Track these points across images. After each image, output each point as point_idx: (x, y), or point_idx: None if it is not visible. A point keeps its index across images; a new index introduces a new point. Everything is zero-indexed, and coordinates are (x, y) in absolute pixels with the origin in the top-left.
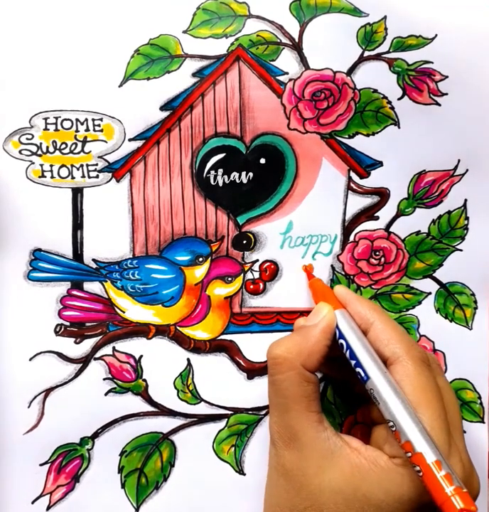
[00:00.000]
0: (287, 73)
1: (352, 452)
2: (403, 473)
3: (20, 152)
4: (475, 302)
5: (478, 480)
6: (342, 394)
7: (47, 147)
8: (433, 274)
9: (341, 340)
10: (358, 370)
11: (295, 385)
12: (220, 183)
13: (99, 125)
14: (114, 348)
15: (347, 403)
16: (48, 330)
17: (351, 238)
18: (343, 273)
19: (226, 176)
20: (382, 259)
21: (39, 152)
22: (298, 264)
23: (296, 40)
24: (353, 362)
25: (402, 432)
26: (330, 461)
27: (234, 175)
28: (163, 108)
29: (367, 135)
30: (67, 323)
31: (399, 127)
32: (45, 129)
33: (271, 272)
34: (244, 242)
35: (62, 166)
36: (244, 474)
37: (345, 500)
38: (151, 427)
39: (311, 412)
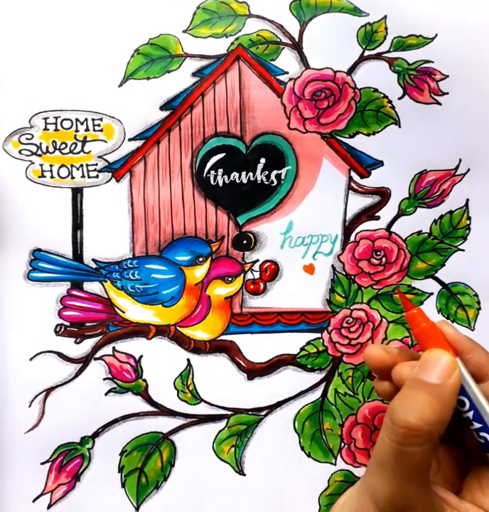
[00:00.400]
0: (287, 73)
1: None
2: None
3: (20, 152)
4: (478, 303)
5: None
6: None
7: (47, 147)
8: (435, 275)
9: (462, 398)
10: (484, 435)
11: (428, 457)
12: (220, 183)
13: (98, 125)
14: (114, 348)
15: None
16: (48, 330)
17: (352, 238)
18: (344, 273)
19: (226, 176)
20: (383, 259)
21: (39, 152)
22: (299, 264)
23: (296, 40)
24: (478, 425)
25: None
26: None
27: (234, 175)
28: (163, 108)
29: (368, 134)
30: (67, 323)
31: (399, 127)
32: (45, 128)
33: (272, 272)
34: (245, 242)
35: (62, 165)
36: (244, 475)
37: None
38: (151, 427)
39: (428, 478)
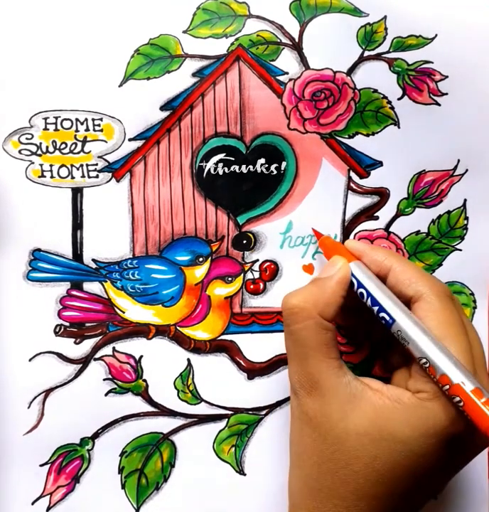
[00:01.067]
0: (287, 73)
1: (374, 394)
2: (429, 407)
3: (19, 152)
4: (474, 302)
5: None
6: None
7: (47, 147)
8: (433, 274)
9: (360, 290)
10: (382, 315)
11: (313, 333)
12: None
13: (99, 125)
14: (114, 348)
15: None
16: (48, 330)
17: (351, 238)
18: None
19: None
20: None
21: (39, 152)
22: (298, 264)
23: (296, 40)
24: (376, 308)
25: (437, 367)
26: (353, 404)
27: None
28: (163, 108)
29: (367, 135)
30: (67, 324)
31: (399, 127)
32: (45, 128)
33: (271, 271)
34: (244, 242)
35: (62, 165)
36: (245, 474)
37: (371, 441)
38: (151, 428)
39: (331, 359)
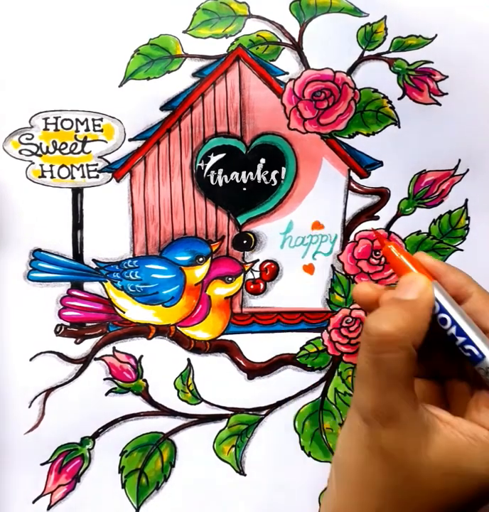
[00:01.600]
0: (287, 73)
1: (444, 427)
2: None
3: (20, 152)
4: None
5: None
6: None
7: (47, 147)
8: None
9: (443, 315)
10: (469, 347)
11: (405, 365)
12: (220, 183)
13: (99, 125)
14: (114, 348)
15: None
16: (48, 330)
17: (351, 238)
18: (343, 273)
19: (226, 176)
20: (383, 259)
21: (39, 152)
22: (299, 263)
23: (296, 40)
24: (462, 339)
25: None
26: (426, 437)
27: (234, 175)
28: (163, 108)
29: (367, 135)
30: (68, 324)
31: (399, 127)
32: (45, 129)
33: (272, 271)
34: (245, 242)
35: (62, 166)
36: (245, 475)
37: (443, 475)
38: (152, 427)
39: (412, 390)
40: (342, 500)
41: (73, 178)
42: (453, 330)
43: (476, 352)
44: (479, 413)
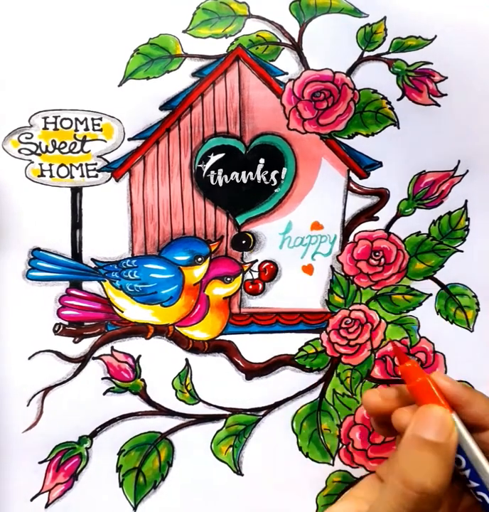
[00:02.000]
0: (287, 73)
1: None
2: None
3: (19, 151)
4: (477, 304)
5: None
6: None
7: (47, 146)
8: (434, 276)
9: (459, 456)
10: (481, 494)
11: None
12: (220, 183)
13: (98, 124)
14: (112, 347)
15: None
16: (47, 329)
17: (351, 239)
18: (343, 274)
19: (226, 176)
20: (382, 260)
21: (38, 151)
22: (298, 264)
23: (296, 41)
24: (475, 485)
25: None
26: None
27: (234, 175)
28: (162, 108)
29: (367, 135)
30: (66, 323)
31: (398, 128)
32: (45, 128)
33: (271, 272)
34: (243, 242)
35: (62, 165)
36: (242, 475)
37: None
38: (149, 427)
39: None
40: None
41: (72, 177)
42: (467, 473)
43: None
44: None
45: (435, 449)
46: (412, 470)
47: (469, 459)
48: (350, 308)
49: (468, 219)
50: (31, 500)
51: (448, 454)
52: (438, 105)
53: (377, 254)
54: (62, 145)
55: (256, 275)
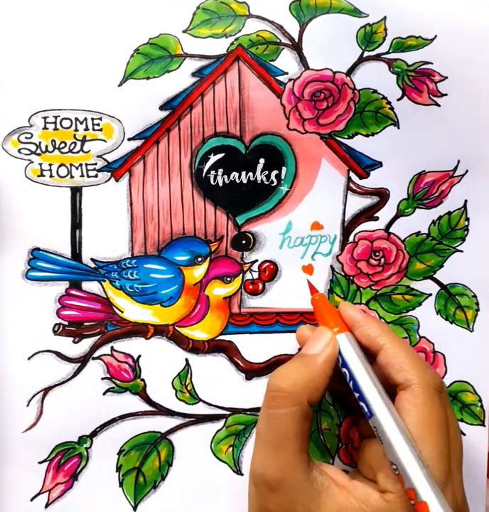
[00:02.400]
0: (287, 73)
1: (340, 491)
2: (396, 510)
3: (19, 151)
4: (477, 304)
5: None
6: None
7: (47, 146)
8: (434, 276)
9: (345, 370)
10: (362, 404)
11: (296, 422)
12: (220, 183)
13: (98, 124)
14: (112, 347)
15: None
16: (47, 329)
17: (351, 239)
18: (343, 274)
19: (226, 176)
20: (382, 260)
21: (38, 151)
22: (298, 264)
23: (296, 40)
24: (357, 395)
25: (407, 479)
26: (317, 502)
27: (234, 175)
28: (162, 107)
29: (367, 135)
30: (66, 323)
31: (398, 128)
32: (45, 128)
33: (271, 272)
34: (243, 242)
35: (61, 165)
36: (242, 474)
37: None
38: (149, 427)
39: (303, 452)
40: None
41: (72, 177)
42: (351, 384)
43: (366, 409)
44: (377, 469)
45: (302, 359)
46: (274, 373)
47: (352, 372)
48: None
49: (467, 219)
50: (31, 500)
51: (311, 363)
52: (438, 105)
53: (376, 254)
54: (62, 145)
55: (256, 275)
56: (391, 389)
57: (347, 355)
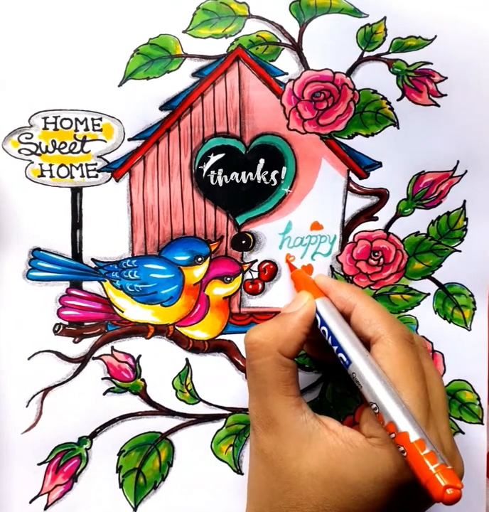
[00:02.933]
0: (287, 73)
1: (329, 434)
2: (379, 453)
3: (19, 151)
4: (474, 303)
5: (462, 462)
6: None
7: (47, 146)
8: (432, 275)
9: (323, 328)
10: (340, 355)
11: (272, 370)
12: (220, 183)
13: (98, 125)
14: (112, 347)
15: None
16: (47, 329)
17: (350, 239)
18: (342, 273)
19: (225, 176)
20: (381, 260)
21: (38, 151)
22: (298, 264)
23: (296, 41)
24: (335, 348)
25: (385, 413)
26: (308, 444)
27: (234, 175)
28: (162, 108)
29: (367, 136)
30: (66, 323)
31: (398, 128)
32: (45, 128)
33: (270, 272)
34: (243, 242)
35: (62, 165)
36: (242, 474)
37: (323, 483)
38: (149, 427)
39: (289, 396)
40: (246, 508)
41: (72, 177)
42: (330, 340)
43: (344, 358)
44: (364, 422)
45: (279, 317)
46: (251, 329)
47: (329, 327)
48: None
49: (466, 219)
50: (30, 502)
51: (287, 319)
52: (438, 105)
53: (376, 254)
54: (62, 145)
55: (256, 275)
56: (366, 346)
57: (324, 314)
